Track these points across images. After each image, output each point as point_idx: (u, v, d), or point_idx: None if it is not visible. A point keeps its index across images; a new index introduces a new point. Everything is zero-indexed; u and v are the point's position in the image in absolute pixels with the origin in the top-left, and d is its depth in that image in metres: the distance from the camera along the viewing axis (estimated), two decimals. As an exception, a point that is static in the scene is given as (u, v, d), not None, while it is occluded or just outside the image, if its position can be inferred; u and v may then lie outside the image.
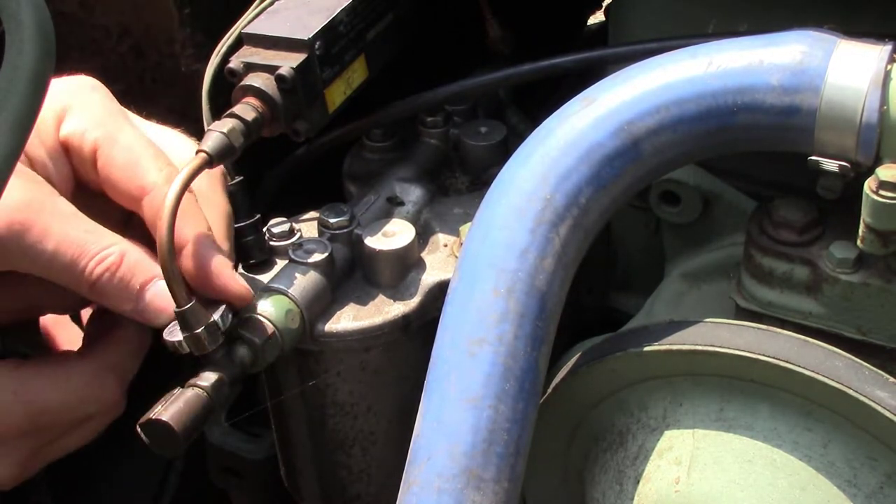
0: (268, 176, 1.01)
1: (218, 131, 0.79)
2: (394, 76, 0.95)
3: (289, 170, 1.00)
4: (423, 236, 0.92)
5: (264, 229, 0.87)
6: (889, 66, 0.72)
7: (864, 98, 0.72)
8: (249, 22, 0.88)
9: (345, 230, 0.88)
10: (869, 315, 0.80)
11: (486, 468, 0.69)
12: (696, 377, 0.80)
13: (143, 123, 0.86)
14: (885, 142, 0.73)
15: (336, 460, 0.93)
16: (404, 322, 0.86)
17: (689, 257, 0.98)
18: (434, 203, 0.96)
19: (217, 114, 0.86)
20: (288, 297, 0.83)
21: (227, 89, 0.85)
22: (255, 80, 0.83)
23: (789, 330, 0.79)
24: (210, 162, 0.78)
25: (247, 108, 0.82)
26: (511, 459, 0.70)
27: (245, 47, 0.86)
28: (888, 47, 0.73)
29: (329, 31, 0.86)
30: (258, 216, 0.86)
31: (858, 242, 0.76)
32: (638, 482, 0.81)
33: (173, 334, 0.77)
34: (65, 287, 0.79)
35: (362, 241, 0.87)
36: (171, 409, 0.74)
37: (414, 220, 0.91)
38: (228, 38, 0.88)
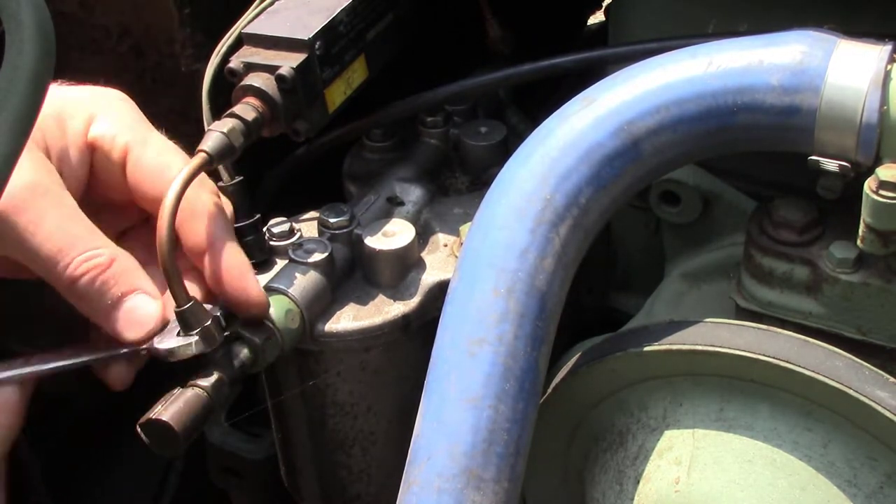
0: (268, 176, 1.01)
1: (218, 131, 0.79)
2: (394, 76, 0.96)
3: (289, 170, 1.00)
4: (423, 236, 0.92)
5: (264, 229, 0.87)
6: (889, 66, 0.72)
7: (864, 98, 0.72)
8: (249, 22, 0.88)
9: (345, 230, 0.88)
10: (869, 315, 0.80)
11: (486, 468, 0.69)
12: (696, 377, 0.80)
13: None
14: (885, 142, 0.73)
15: (336, 460, 0.93)
16: (404, 322, 0.86)
17: (689, 257, 0.98)
18: (434, 203, 0.96)
19: (217, 114, 0.86)
20: (288, 297, 0.83)
21: (227, 89, 0.85)
22: (255, 80, 0.83)
23: (789, 330, 0.79)
24: (210, 161, 0.78)
25: (247, 108, 0.82)
26: (511, 459, 0.70)
27: (245, 47, 0.86)
28: (888, 47, 0.73)
29: (329, 31, 0.86)
30: (258, 216, 0.86)
31: (858, 242, 0.76)
32: (638, 482, 0.81)
33: (164, 342, 0.77)
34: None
35: (362, 241, 0.87)
36: (171, 409, 0.74)
37: (414, 220, 0.91)
38: (228, 38, 0.88)
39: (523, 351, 0.71)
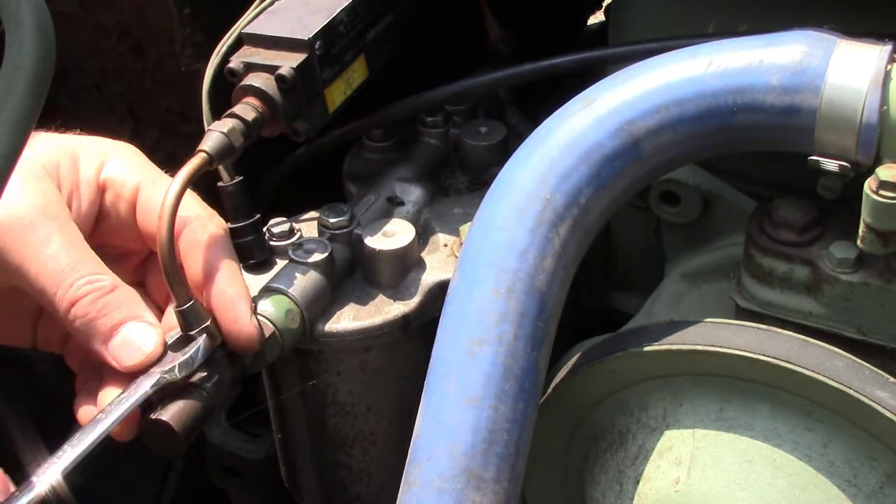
0: (268, 176, 1.01)
1: (218, 131, 0.79)
2: (394, 76, 0.96)
3: (289, 170, 1.00)
4: (423, 236, 0.92)
5: (264, 229, 0.87)
6: (889, 66, 0.72)
7: (864, 98, 0.72)
8: (249, 22, 0.88)
9: (345, 230, 0.88)
10: (869, 315, 0.80)
11: (486, 468, 0.69)
12: (696, 377, 0.80)
13: None
14: (885, 142, 0.73)
15: (336, 460, 0.93)
16: (404, 322, 0.86)
17: (689, 257, 0.98)
18: (434, 203, 0.96)
19: (217, 114, 0.86)
20: (288, 297, 0.83)
21: (227, 89, 0.85)
22: (255, 80, 0.83)
23: (789, 330, 0.79)
24: (210, 161, 0.78)
25: (247, 108, 0.82)
26: (511, 459, 0.70)
27: (245, 47, 0.86)
28: (888, 47, 0.73)
29: (329, 31, 0.86)
30: (258, 216, 0.86)
31: (858, 242, 0.76)
32: (638, 482, 0.81)
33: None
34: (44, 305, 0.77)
35: (362, 241, 0.87)
36: (171, 409, 0.74)
37: (414, 220, 0.91)
38: (228, 38, 0.88)
39: (523, 351, 0.71)
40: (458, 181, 1.00)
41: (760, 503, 0.76)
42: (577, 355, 0.85)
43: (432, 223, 0.94)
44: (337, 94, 0.88)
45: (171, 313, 0.78)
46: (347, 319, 0.85)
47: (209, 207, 0.82)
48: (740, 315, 0.85)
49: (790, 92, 0.73)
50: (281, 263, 0.86)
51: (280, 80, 0.83)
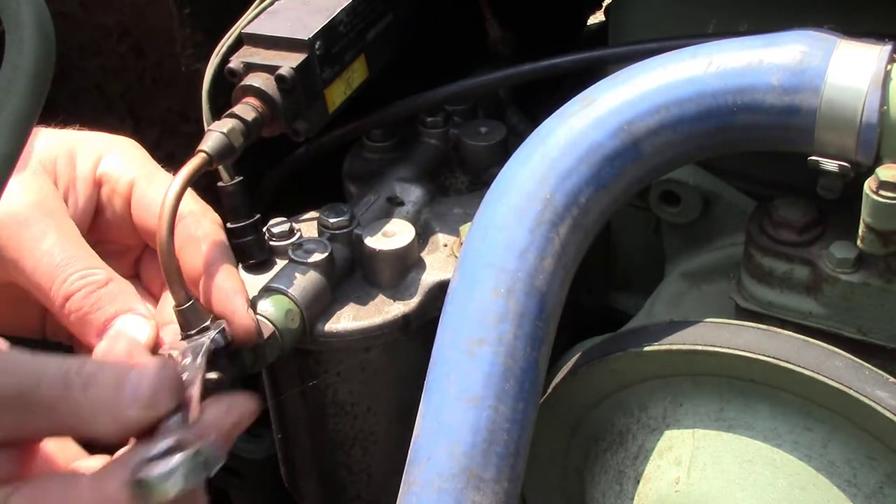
0: (268, 176, 1.01)
1: (218, 131, 0.79)
2: (394, 76, 0.95)
3: (289, 170, 1.00)
4: (423, 236, 0.92)
5: (264, 229, 0.87)
6: (889, 66, 0.72)
7: (864, 98, 0.72)
8: (249, 22, 0.88)
9: (345, 230, 0.88)
10: (869, 315, 0.80)
11: (486, 468, 0.69)
12: (696, 377, 0.80)
13: None
14: (885, 142, 0.73)
15: (336, 460, 0.93)
16: (404, 322, 0.86)
17: (689, 257, 0.98)
18: (434, 203, 0.96)
19: (217, 114, 0.86)
20: (288, 297, 0.83)
21: (227, 89, 0.85)
22: (255, 80, 0.83)
23: (789, 330, 0.79)
24: (210, 161, 0.78)
25: (247, 108, 0.82)
26: (511, 459, 0.70)
27: (245, 47, 0.86)
28: (888, 47, 0.73)
29: (329, 31, 0.86)
30: (258, 216, 0.86)
31: (858, 242, 0.76)
32: (638, 482, 0.81)
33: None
34: (38, 301, 0.77)
35: (362, 241, 0.87)
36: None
37: (414, 220, 0.91)
38: (228, 38, 0.88)
39: (523, 351, 0.71)
40: (458, 181, 1.00)
41: (760, 503, 0.76)
42: (577, 355, 0.85)
43: (432, 223, 0.94)
44: (337, 94, 0.88)
45: (165, 304, 0.78)
46: (347, 319, 0.85)
47: (202, 202, 0.82)
48: (740, 315, 0.85)
49: (790, 92, 0.73)
50: (281, 263, 0.86)
51: (280, 80, 0.83)
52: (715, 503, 0.77)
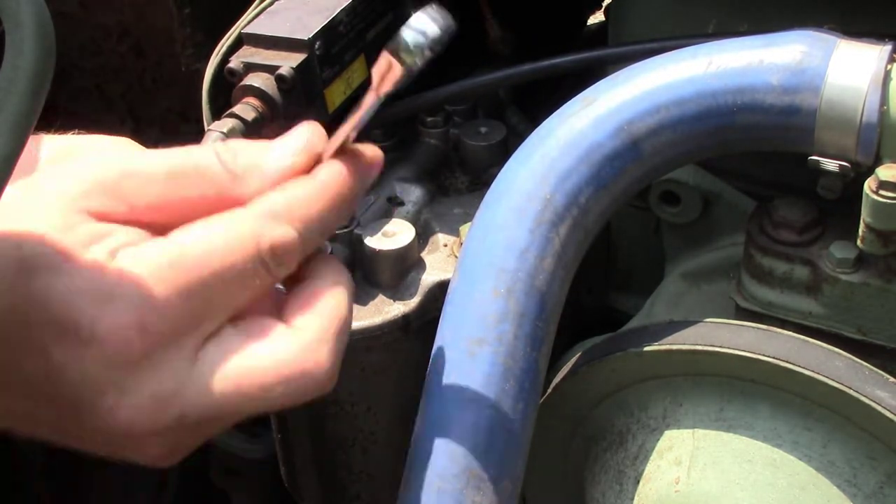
0: (268, 176, 1.01)
1: (218, 131, 0.79)
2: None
3: (289, 170, 1.00)
4: (423, 236, 0.92)
5: (264, 229, 0.87)
6: (889, 66, 0.72)
7: (864, 98, 0.72)
8: (249, 22, 0.88)
9: (345, 230, 0.88)
10: (869, 315, 0.80)
11: (486, 468, 0.69)
12: (696, 377, 0.80)
13: None
14: (885, 142, 0.73)
15: (336, 460, 0.93)
16: (404, 322, 0.86)
17: (689, 257, 0.98)
18: (434, 203, 0.96)
19: (217, 114, 0.86)
20: (288, 297, 0.83)
21: (227, 89, 0.85)
22: (255, 80, 0.83)
23: (789, 330, 0.79)
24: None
25: (247, 108, 0.82)
26: (511, 460, 0.70)
27: (245, 47, 0.86)
28: (888, 47, 0.73)
29: (329, 31, 0.86)
30: (258, 216, 0.86)
31: (858, 242, 0.76)
32: (638, 482, 0.81)
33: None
34: None
35: (362, 241, 0.87)
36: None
37: (414, 220, 0.91)
38: (228, 38, 0.88)
39: (523, 351, 0.71)
40: (458, 181, 1.00)
41: (760, 503, 0.76)
42: (577, 355, 0.85)
43: (432, 223, 0.94)
44: (337, 94, 0.88)
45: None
46: (347, 319, 0.85)
47: None
48: (740, 315, 0.85)
49: (790, 92, 0.73)
50: (281, 263, 0.86)
51: (280, 80, 0.83)
52: (715, 503, 0.77)
